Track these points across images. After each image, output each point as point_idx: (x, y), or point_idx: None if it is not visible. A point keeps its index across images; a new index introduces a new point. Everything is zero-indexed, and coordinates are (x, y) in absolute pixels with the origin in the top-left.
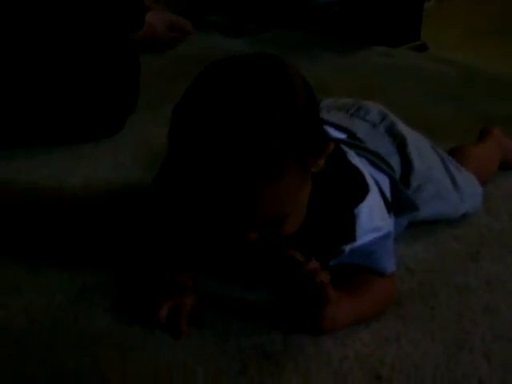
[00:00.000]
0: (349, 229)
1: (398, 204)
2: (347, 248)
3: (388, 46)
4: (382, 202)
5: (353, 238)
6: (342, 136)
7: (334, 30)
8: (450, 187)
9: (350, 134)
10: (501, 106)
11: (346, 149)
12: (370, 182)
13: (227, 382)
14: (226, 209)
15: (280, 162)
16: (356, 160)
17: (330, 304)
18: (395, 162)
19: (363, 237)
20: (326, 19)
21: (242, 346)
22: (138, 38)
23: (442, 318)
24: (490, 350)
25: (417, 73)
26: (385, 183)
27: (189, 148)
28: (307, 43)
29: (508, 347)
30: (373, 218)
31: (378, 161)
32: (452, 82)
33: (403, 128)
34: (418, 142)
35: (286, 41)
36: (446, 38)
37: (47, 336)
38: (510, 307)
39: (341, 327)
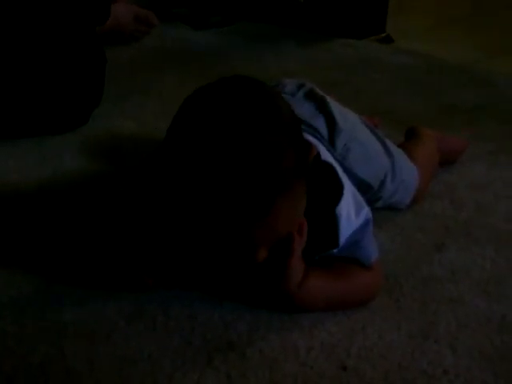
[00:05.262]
0: (332, 234)
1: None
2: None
3: (353, 38)
4: (356, 191)
5: (336, 245)
6: None
7: (300, 21)
8: (379, 149)
9: None
10: (468, 95)
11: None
12: (343, 176)
13: (193, 374)
14: (221, 245)
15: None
16: (324, 153)
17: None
18: (321, 123)
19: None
20: (291, 11)
21: (207, 338)
22: (104, 29)
23: (407, 308)
24: (455, 339)
25: (382, 64)
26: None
27: (181, 189)
28: (273, 35)
29: (473, 337)
30: (350, 217)
31: (307, 128)
32: (418, 72)
33: (322, 93)
34: (337, 105)
35: (251, 33)
36: (413, 29)
37: (13, 327)
38: (474, 297)
39: (313, 301)
